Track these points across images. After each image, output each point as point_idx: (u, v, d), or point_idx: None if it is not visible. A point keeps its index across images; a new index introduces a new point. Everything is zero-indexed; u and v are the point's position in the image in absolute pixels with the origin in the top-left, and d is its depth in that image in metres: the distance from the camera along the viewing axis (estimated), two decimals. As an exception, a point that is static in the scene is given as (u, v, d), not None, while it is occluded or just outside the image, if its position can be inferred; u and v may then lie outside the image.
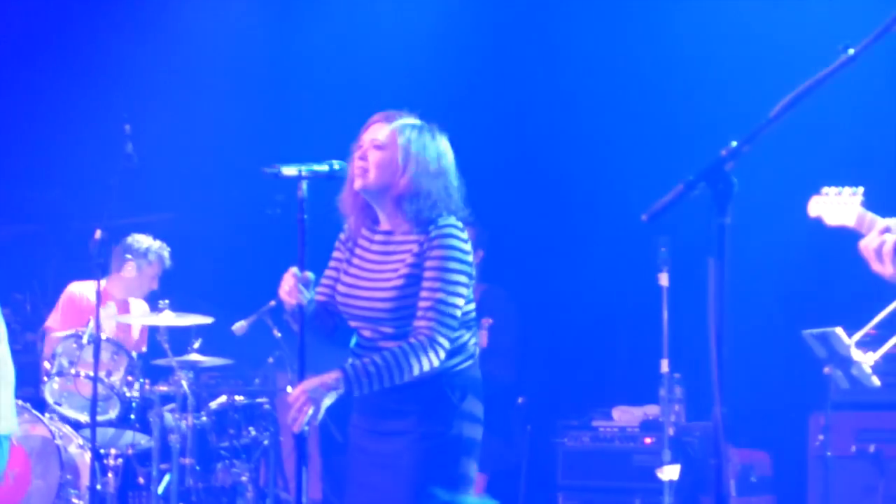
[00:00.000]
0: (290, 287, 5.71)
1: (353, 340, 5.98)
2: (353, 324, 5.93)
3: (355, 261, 5.98)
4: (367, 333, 5.86)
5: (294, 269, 5.75)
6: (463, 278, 5.68)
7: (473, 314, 5.94)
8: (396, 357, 5.52)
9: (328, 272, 6.15)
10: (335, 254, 6.18)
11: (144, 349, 10.18)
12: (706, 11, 10.24)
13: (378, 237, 5.92)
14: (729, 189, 4.11)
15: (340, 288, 5.98)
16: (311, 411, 5.47)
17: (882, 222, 4.83)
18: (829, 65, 4.28)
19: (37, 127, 11.16)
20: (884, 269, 4.78)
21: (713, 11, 10.20)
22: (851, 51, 4.27)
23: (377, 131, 5.81)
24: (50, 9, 11.38)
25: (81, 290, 9.60)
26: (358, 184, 5.78)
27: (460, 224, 5.78)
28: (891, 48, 4.59)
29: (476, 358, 5.96)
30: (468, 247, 5.77)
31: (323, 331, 6.09)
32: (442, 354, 5.59)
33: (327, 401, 5.55)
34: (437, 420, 5.75)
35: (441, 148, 5.86)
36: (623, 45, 10.73)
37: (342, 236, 6.16)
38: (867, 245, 4.81)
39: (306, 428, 5.84)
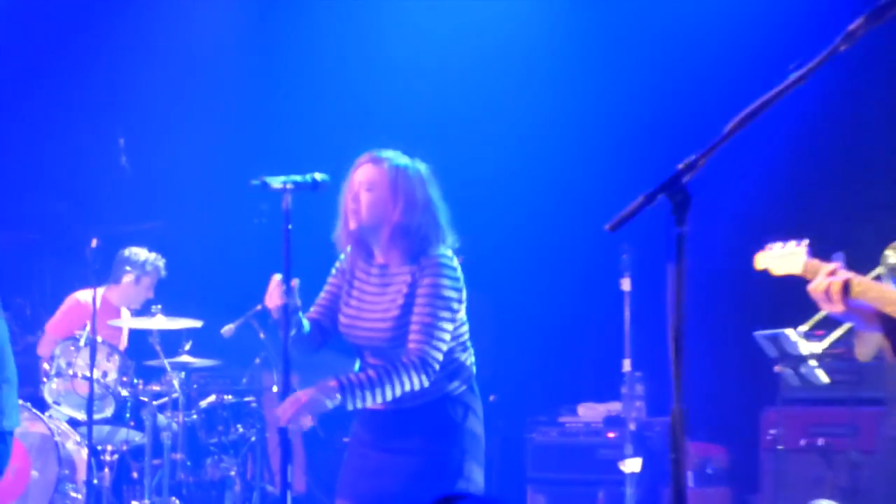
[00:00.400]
0: (271, 290, 5.81)
1: (357, 364, 6.13)
2: (358, 346, 6.09)
3: (354, 293, 6.10)
4: (370, 358, 5.99)
5: (278, 276, 5.90)
6: (453, 303, 5.82)
7: (467, 335, 6.04)
8: (389, 373, 5.64)
9: (323, 294, 6.31)
10: (331, 279, 6.32)
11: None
12: (668, 31, 10.25)
13: (374, 270, 6.04)
14: (686, 200, 4.16)
15: (343, 319, 6.11)
16: (308, 420, 5.61)
17: (827, 266, 4.90)
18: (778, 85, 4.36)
19: (36, 140, 11.16)
20: (833, 307, 4.85)
21: (675, 32, 10.19)
22: (798, 72, 4.34)
23: (366, 173, 5.92)
24: (52, 28, 11.37)
25: (87, 297, 9.63)
26: (353, 224, 5.90)
27: (450, 252, 5.92)
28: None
29: (474, 376, 6.08)
30: (458, 273, 5.90)
31: (312, 346, 6.28)
32: (431, 374, 5.70)
33: (322, 408, 5.65)
34: (442, 440, 5.89)
35: (425, 180, 5.98)
36: (589, 61, 10.66)
37: (338, 265, 6.28)
38: (816, 288, 4.88)
39: (292, 426, 5.95)
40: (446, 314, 5.80)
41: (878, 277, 5.34)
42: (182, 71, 11.94)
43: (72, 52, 11.52)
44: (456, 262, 5.91)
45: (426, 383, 5.69)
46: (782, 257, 5.10)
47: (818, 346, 7.61)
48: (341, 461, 10.29)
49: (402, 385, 5.64)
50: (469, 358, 6.06)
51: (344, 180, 6.03)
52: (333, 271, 6.31)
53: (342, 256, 6.25)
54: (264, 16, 12.18)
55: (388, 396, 5.66)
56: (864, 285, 4.74)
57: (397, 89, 11.36)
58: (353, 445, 6.25)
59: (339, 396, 5.61)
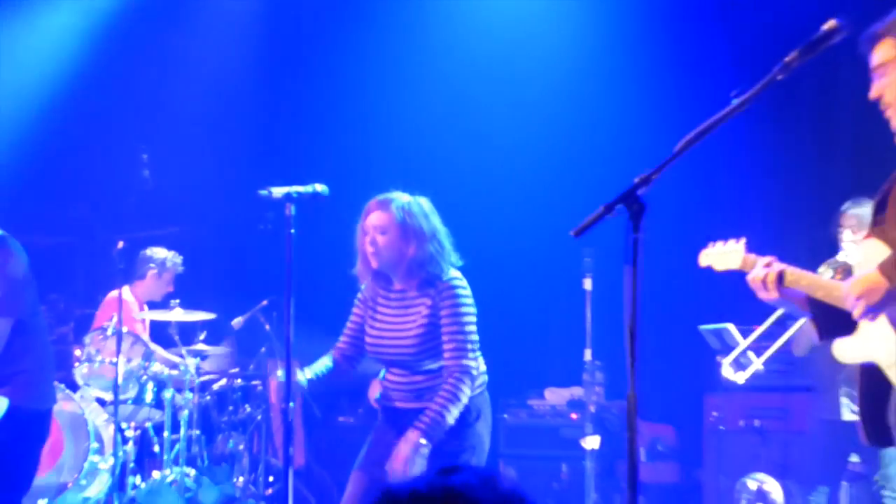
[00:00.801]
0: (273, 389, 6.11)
1: (382, 373, 6.28)
2: (384, 362, 6.22)
3: (378, 316, 6.16)
4: (395, 371, 6.11)
5: (280, 374, 6.18)
6: (472, 318, 5.96)
7: (478, 344, 6.09)
8: (447, 398, 5.82)
9: (349, 324, 6.40)
10: (355, 310, 6.38)
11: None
12: (636, 47, 10.11)
13: (394, 295, 6.12)
14: (641, 210, 4.13)
15: (368, 339, 6.20)
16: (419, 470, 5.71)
17: (763, 259, 4.88)
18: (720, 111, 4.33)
19: (69, 155, 11.10)
20: (768, 294, 4.83)
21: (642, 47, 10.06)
22: (739, 99, 4.30)
23: (378, 219, 5.99)
24: (82, 53, 11.31)
25: (125, 295, 9.64)
26: (374, 264, 6.00)
27: (459, 274, 6.03)
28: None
29: (486, 382, 6.18)
30: (469, 291, 6.01)
31: (340, 376, 6.43)
32: (473, 379, 5.92)
33: (423, 460, 5.77)
34: (454, 437, 5.93)
35: (428, 213, 6.06)
36: (555, 80, 10.51)
37: (360, 296, 6.35)
38: (754, 278, 4.85)
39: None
40: (471, 328, 5.96)
41: None
42: (198, 91, 11.89)
43: (102, 76, 11.46)
44: (465, 282, 6.02)
45: (472, 389, 5.89)
46: (723, 254, 5.09)
47: (754, 368, 7.64)
48: (336, 438, 10.31)
49: (461, 399, 5.82)
50: (481, 365, 6.12)
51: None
52: (357, 303, 6.38)
53: (363, 287, 6.32)
54: (275, 40, 12.11)
55: (455, 413, 5.81)
56: (796, 274, 4.73)
57: (382, 98, 11.32)
58: (377, 432, 6.27)
59: (426, 443, 5.75)
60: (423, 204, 6.07)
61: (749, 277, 4.84)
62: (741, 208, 8.29)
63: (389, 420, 6.17)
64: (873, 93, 4.56)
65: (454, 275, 6.00)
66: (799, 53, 4.28)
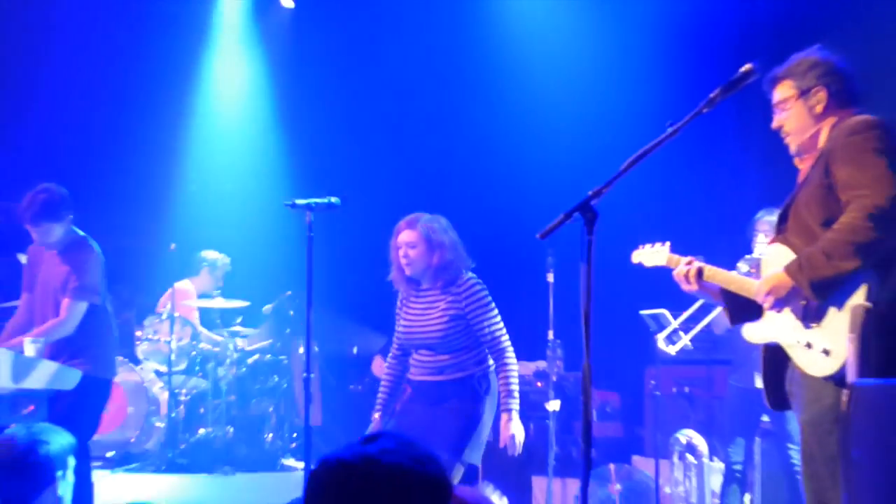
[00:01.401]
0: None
1: (413, 356, 6.34)
2: (413, 348, 6.34)
3: (410, 311, 6.32)
4: (423, 352, 6.23)
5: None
6: (494, 308, 6.19)
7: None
8: (511, 374, 6.10)
9: (397, 327, 6.51)
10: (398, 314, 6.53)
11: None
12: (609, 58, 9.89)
13: (422, 295, 6.26)
14: (594, 217, 4.14)
15: (401, 329, 6.39)
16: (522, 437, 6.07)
17: (685, 258, 4.91)
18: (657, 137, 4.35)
19: (132, 174, 11.10)
20: (690, 287, 4.86)
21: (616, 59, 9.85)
22: (673, 127, 4.32)
23: (407, 236, 6.14)
24: (143, 83, 11.27)
25: (180, 286, 9.68)
26: (407, 272, 6.17)
27: (473, 275, 6.23)
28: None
29: (492, 361, 6.27)
30: (484, 286, 6.21)
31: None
32: (512, 351, 6.18)
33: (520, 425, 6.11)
34: (469, 403, 6.10)
35: (447, 228, 6.22)
36: (534, 80, 10.28)
37: (399, 300, 6.49)
38: (678, 273, 4.88)
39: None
40: (496, 315, 6.18)
41: None
42: (233, 121, 11.94)
43: (156, 108, 11.45)
44: (479, 280, 6.22)
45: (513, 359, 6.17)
46: (651, 254, 5.13)
47: (680, 344, 7.67)
48: (347, 402, 10.29)
49: (516, 368, 6.16)
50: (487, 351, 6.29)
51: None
52: (397, 308, 6.50)
53: (400, 293, 6.46)
54: (295, 75, 12.05)
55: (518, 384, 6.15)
56: (713, 271, 4.76)
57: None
58: (406, 404, 6.37)
59: (515, 408, 6.08)
60: (442, 221, 6.21)
61: (675, 273, 4.87)
62: (675, 216, 8.28)
63: (417, 392, 6.28)
64: (774, 124, 4.60)
65: (470, 276, 6.19)
66: (721, 91, 4.30)
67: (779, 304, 4.42)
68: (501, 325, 6.15)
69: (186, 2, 11.52)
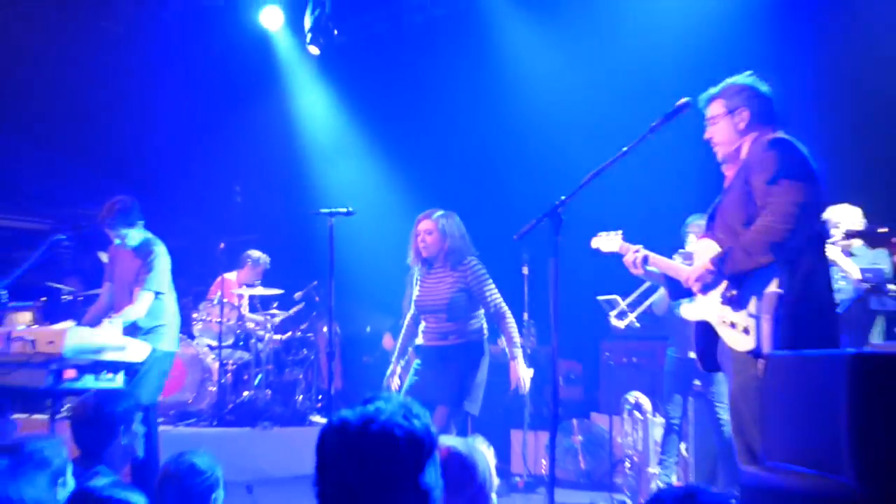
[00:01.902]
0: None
1: (422, 325, 6.38)
2: (423, 315, 6.37)
3: (424, 285, 6.37)
4: (431, 319, 6.30)
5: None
6: (493, 284, 6.28)
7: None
8: (513, 329, 6.26)
9: (414, 299, 6.54)
10: (409, 287, 6.84)
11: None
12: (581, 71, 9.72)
13: (434, 272, 6.33)
14: (560, 222, 4.21)
15: (416, 299, 6.41)
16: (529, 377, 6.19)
17: (634, 246, 4.96)
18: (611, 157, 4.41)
19: (187, 185, 11.13)
20: (637, 271, 4.92)
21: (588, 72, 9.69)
22: (625, 148, 4.39)
23: (426, 225, 6.28)
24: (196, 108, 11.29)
25: (227, 276, 9.71)
26: (424, 254, 6.28)
27: (477, 259, 6.29)
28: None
29: (486, 331, 6.39)
30: (483, 266, 6.29)
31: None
32: (511, 315, 6.31)
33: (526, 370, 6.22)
34: (468, 365, 6.19)
35: (456, 222, 6.35)
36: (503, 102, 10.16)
37: (413, 276, 6.61)
38: (627, 259, 4.94)
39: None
40: (493, 286, 6.27)
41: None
42: (273, 142, 11.95)
43: (204, 125, 11.48)
44: (479, 262, 6.29)
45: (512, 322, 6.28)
46: (607, 240, 5.16)
47: (629, 318, 7.69)
48: (362, 371, 10.29)
49: (515, 325, 6.30)
50: (484, 320, 6.37)
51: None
52: (414, 281, 6.56)
53: (412, 269, 6.55)
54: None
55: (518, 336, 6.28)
56: (656, 258, 4.81)
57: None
58: (418, 369, 6.35)
59: (520, 355, 6.22)
60: (453, 215, 6.34)
61: (624, 259, 4.94)
62: (628, 216, 8.26)
63: (426, 357, 6.30)
64: (706, 136, 4.64)
65: (473, 259, 6.27)
66: (661, 120, 4.38)
67: (705, 289, 4.49)
68: (499, 294, 6.26)
69: (239, 50, 11.55)
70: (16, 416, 5.40)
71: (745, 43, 8.10)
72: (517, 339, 6.21)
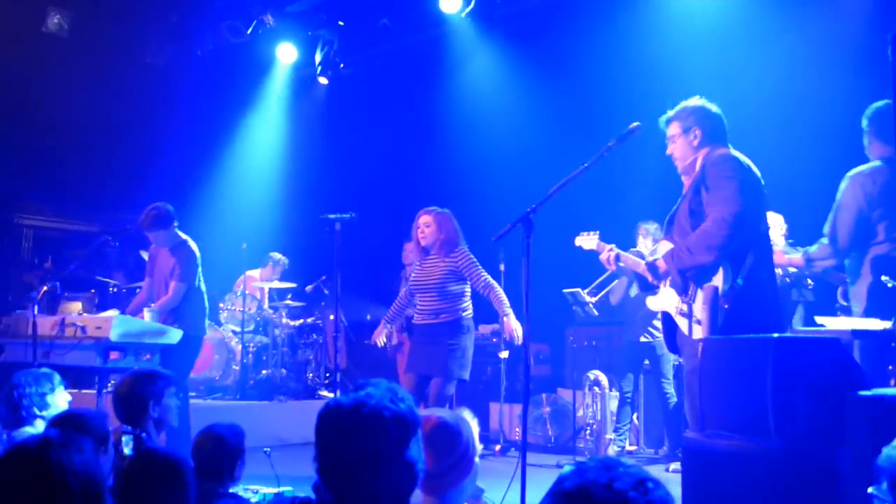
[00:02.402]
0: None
1: (417, 306, 6.34)
2: (418, 295, 6.30)
3: (421, 269, 6.32)
4: (425, 298, 6.24)
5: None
6: (480, 266, 6.22)
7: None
8: (502, 295, 6.19)
9: (409, 281, 6.53)
10: (404, 282, 6.77)
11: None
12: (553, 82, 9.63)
13: (428, 258, 6.28)
14: (531, 227, 4.21)
15: (413, 279, 6.38)
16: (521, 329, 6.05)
17: (608, 245, 5.00)
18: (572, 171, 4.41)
19: (221, 197, 11.11)
20: (611, 267, 4.96)
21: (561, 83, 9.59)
22: (585, 163, 4.39)
23: (425, 219, 6.26)
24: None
25: (250, 273, 9.69)
26: (423, 243, 6.25)
27: (466, 248, 6.25)
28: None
29: (471, 308, 6.35)
30: (472, 254, 6.23)
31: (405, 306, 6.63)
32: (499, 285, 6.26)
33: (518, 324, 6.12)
34: (457, 339, 6.13)
35: (451, 217, 6.32)
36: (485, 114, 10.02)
37: (410, 263, 6.74)
38: (602, 257, 4.96)
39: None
40: (481, 268, 6.21)
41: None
42: (282, 158, 11.93)
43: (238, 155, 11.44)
44: (468, 251, 6.25)
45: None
46: (587, 239, 5.18)
47: (593, 300, 7.70)
48: (364, 352, 10.25)
49: (502, 292, 6.22)
50: (470, 302, 6.32)
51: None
52: (407, 268, 6.74)
53: (408, 258, 6.72)
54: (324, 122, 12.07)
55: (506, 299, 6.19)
56: (625, 256, 4.85)
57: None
58: (413, 346, 6.40)
59: (510, 312, 6.15)
60: (447, 212, 6.32)
61: (601, 256, 4.96)
62: (598, 217, 8.24)
63: (419, 334, 6.28)
64: (668, 152, 4.65)
65: (464, 247, 6.24)
66: (615, 141, 4.39)
67: (660, 279, 4.54)
68: (486, 273, 6.25)
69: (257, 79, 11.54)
70: (68, 391, 5.38)
71: (694, 67, 8.09)
72: (506, 301, 6.17)
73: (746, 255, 4.20)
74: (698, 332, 4.24)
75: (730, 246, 4.15)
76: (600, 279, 7.63)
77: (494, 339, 8.84)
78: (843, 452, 2.86)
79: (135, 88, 10.85)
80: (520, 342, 6.07)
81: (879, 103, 5.01)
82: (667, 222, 4.67)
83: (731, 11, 8.21)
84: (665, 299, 4.57)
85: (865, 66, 7.04)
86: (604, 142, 4.44)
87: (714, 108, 4.57)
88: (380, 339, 6.60)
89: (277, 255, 10.18)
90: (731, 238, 4.13)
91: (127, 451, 3.69)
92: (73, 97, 10.43)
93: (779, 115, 7.69)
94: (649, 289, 4.77)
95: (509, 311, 6.11)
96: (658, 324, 7.42)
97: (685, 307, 4.38)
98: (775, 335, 3.33)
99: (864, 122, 5.06)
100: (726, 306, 4.12)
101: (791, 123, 7.61)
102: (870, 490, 2.12)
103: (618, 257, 4.90)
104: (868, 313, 4.59)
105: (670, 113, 4.64)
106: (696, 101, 4.60)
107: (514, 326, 6.08)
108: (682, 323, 4.40)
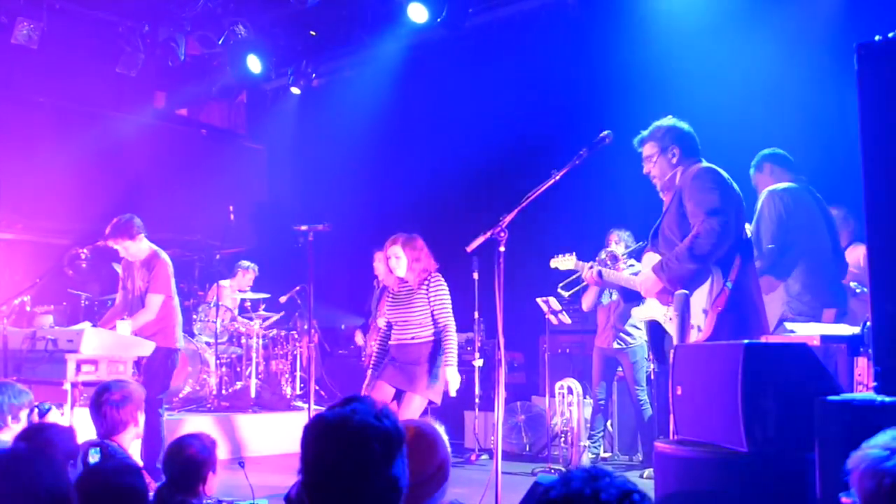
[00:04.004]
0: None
1: (393, 329, 6.27)
2: (393, 318, 6.24)
3: (394, 298, 6.27)
4: (399, 325, 6.18)
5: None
6: (448, 300, 6.08)
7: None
8: (450, 343, 5.99)
9: (385, 310, 6.48)
10: (377, 290, 6.64)
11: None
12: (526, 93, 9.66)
13: (402, 287, 6.21)
14: (504, 236, 4.22)
15: (387, 310, 6.33)
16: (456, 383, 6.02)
17: (588, 264, 5.07)
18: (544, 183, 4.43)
19: (192, 215, 11.06)
20: (593, 283, 5.03)
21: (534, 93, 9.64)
22: (556, 174, 4.41)
23: (395, 250, 6.12)
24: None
25: (223, 283, 9.64)
26: (395, 273, 6.15)
27: (439, 275, 6.14)
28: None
29: None
30: (444, 282, 6.12)
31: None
32: (454, 330, 6.05)
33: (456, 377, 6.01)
34: (428, 360, 6.07)
35: (421, 244, 6.18)
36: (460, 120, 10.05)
37: (384, 289, 6.66)
38: (584, 275, 5.03)
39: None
40: (448, 306, 6.06)
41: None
42: (267, 170, 11.86)
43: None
44: (442, 278, 6.13)
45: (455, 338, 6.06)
46: (563, 261, 5.23)
47: (566, 294, 7.72)
48: (338, 363, 10.20)
49: (454, 340, 6.03)
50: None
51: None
52: (383, 294, 6.65)
53: (383, 283, 6.68)
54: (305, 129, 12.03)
55: (454, 351, 6.03)
56: (607, 272, 4.93)
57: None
58: (387, 361, 6.30)
59: (452, 363, 5.99)
60: (417, 238, 6.19)
61: (582, 275, 5.03)
62: (570, 233, 8.27)
63: (394, 353, 6.23)
64: (644, 171, 4.74)
65: (437, 276, 6.12)
66: (586, 150, 4.42)
67: (649, 293, 4.59)
68: (450, 312, 6.09)
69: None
70: (39, 404, 5.32)
71: (665, 77, 8.16)
72: (452, 352, 6.04)
73: (734, 261, 4.29)
74: (695, 338, 4.30)
75: (718, 253, 4.27)
76: (573, 277, 7.67)
77: (468, 348, 8.85)
78: (813, 458, 2.88)
79: (105, 99, 10.77)
80: (453, 394, 6.09)
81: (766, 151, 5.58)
82: (651, 236, 4.75)
83: (700, 28, 8.32)
84: (651, 308, 4.63)
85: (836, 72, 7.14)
86: (575, 150, 4.48)
87: (686, 125, 4.70)
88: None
89: (246, 263, 10.13)
90: (718, 245, 4.28)
91: (93, 460, 3.67)
92: (41, 107, 10.36)
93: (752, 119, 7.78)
94: (634, 299, 4.83)
95: (452, 362, 6.00)
96: (632, 330, 7.47)
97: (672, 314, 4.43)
98: (745, 341, 3.35)
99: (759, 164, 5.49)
100: (719, 309, 4.20)
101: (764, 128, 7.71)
102: (842, 498, 2.14)
103: (600, 273, 4.97)
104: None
105: (644, 133, 4.72)
106: (668, 120, 4.72)
107: (451, 378, 5.99)
108: (672, 330, 4.46)
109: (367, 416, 2.09)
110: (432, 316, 6.10)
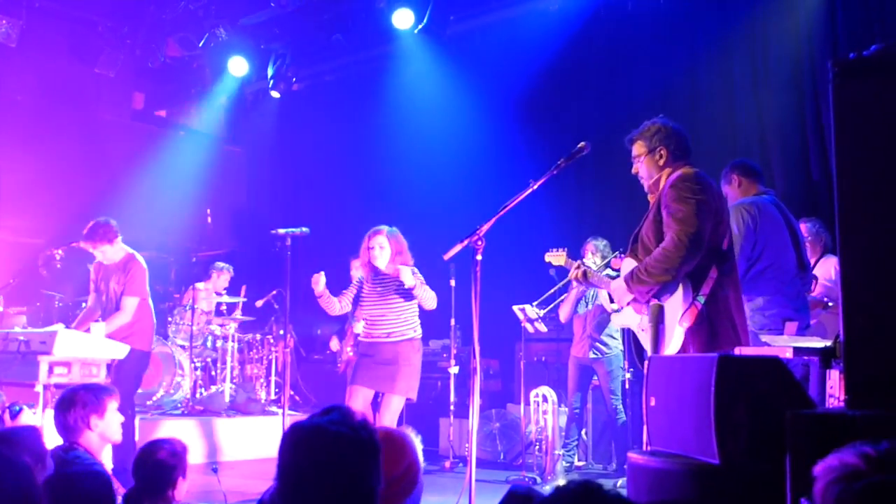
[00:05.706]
0: (315, 283, 6.29)
1: (364, 324, 6.42)
2: (367, 312, 6.35)
3: (370, 290, 6.38)
4: (375, 316, 6.31)
5: (319, 277, 6.33)
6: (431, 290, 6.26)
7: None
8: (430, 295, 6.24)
9: (348, 291, 6.55)
10: (353, 286, 6.58)
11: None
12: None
13: (378, 279, 6.31)
14: (481, 244, 4.21)
15: (363, 301, 6.40)
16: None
17: (576, 263, 5.03)
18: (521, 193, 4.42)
19: (169, 220, 10.99)
20: (580, 283, 4.98)
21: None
22: (535, 183, 4.41)
23: (376, 240, 6.27)
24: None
25: (198, 286, 9.58)
26: (375, 263, 6.28)
27: (416, 269, 6.26)
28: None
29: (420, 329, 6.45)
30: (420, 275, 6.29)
31: (332, 310, 6.48)
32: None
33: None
34: (406, 358, 6.20)
35: (399, 236, 6.35)
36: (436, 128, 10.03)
37: (356, 282, 6.58)
38: (571, 274, 4.98)
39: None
40: (431, 294, 6.26)
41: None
42: (243, 174, 11.81)
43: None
44: (417, 270, 6.28)
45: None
46: (556, 256, 5.23)
47: (540, 311, 7.73)
48: (313, 368, 10.17)
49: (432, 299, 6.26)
50: (418, 320, 6.43)
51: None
52: (355, 283, 6.59)
53: (360, 276, 6.53)
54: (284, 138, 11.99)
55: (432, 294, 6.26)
56: (591, 273, 4.87)
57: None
58: (360, 359, 6.35)
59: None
60: (396, 230, 6.34)
61: (570, 274, 4.98)
62: (547, 242, 8.31)
63: (366, 350, 6.26)
64: (633, 171, 4.65)
65: (414, 269, 6.23)
66: (564, 161, 4.42)
67: (619, 301, 4.56)
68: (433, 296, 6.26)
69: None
70: (10, 405, 5.27)
71: (642, 85, 8.19)
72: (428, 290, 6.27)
73: (708, 273, 4.22)
74: (669, 349, 4.26)
75: (686, 266, 4.15)
76: (549, 292, 7.68)
77: (444, 355, 8.84)
78: (785, 470, 2.89)
79: (83, 99, 10.69)
80: (404, 279, 6.14)
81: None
82: (632, 240, 4.67)
83: (665, 33, 8.38)
84: (628, 316, 4.60)
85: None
86: (553, 159, 4.48)
87: (677, 126, 4.58)
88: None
89: (221, 264, 10.09)
90: (686, 259, 4.13)
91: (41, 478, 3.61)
92: (19, 105, 10.27)
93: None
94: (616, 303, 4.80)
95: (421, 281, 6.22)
96: (608, 340, 7.48)
97: (646, 324, 4.40)
98: (716, 353, 3.36)
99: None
100: (687, 325, 4.13)
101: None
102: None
103: (585, 274, 4.93)
104: None
105: (635, 132, 4.64)
106: (660, 120, 4.62)
107: (406, 273, 6.14)
108: (644, 340, 4.42)
109: (343, 426, 2.12)
110: (410, 304, 6.23)
